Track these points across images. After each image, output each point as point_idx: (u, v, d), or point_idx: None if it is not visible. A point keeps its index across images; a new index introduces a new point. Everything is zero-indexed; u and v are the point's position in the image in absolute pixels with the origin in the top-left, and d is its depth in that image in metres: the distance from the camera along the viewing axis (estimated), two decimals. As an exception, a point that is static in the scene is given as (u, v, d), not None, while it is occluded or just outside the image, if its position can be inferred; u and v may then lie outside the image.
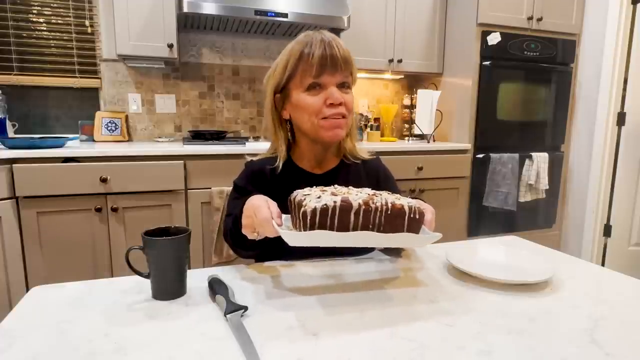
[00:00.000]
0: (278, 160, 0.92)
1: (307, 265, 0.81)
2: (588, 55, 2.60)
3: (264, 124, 0.98)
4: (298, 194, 0.66)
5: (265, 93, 0.92)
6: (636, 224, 2.59)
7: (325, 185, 0.93)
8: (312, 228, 0.59)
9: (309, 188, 0.69)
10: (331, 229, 0.60)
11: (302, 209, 0.60)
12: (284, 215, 0.71)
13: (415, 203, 0.66)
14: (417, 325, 0.58)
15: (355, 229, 0.61)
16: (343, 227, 0.60)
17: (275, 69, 0.89)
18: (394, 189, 1.00)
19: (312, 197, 0.61)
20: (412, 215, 0.64)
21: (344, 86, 0.87)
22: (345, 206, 0.60)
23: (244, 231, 0.74)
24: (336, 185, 0.71)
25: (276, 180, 0.92)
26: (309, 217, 0.59)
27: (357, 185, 0.97)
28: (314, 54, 0.82)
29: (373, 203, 0.61)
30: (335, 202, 0.60)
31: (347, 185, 0.94)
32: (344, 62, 0.84)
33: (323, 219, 0.59)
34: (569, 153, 2.76)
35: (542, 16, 2.46)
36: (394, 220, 0.63)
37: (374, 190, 0.70)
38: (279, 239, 0.84)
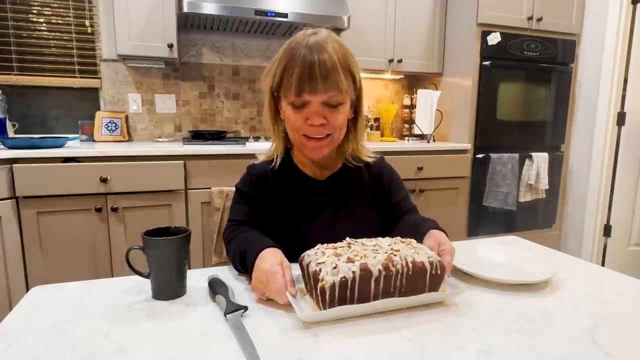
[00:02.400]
0: (275, 159, 0.91)
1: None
2: (588, 55, 2.60)
3: (264, 121, 0.92)
4: (311, 261, 0.62)
5: (264, 90, 0.90)
6: (636, 224, 2.59)
7: (326, 191, 0.91)
8: (332, 303, 0.57)
9: (322, 248, 0.65)
10: (352, 299, 0.58)
11: (320, 284, 0.57)
12: (295, 273, 0.67)
13: (435, 258, 0.63)
14: (417, 325, 0.58)
15: (376, 294, 0.60)
16: (363, 296, 0.59)
17: (270, 71, 0.86)
18: (400, 190, 0.97)
19: (328, 267, 0.58)
20: (433, 272, 0.62)
21: (332, 105, 0.80)
22: (365, 275, 0.58)
23: (252, 291, 0.68)
24: (349, 240, 0.66)
25: (279, 185, 0.91)
26: (328, 294, 0.57)
27: (360, 188, 0.93)
28: (294, 71, 0.77)
29: (393, 266, 0.59)
30: (353, 272, 0.57)
31: (349, 190, 0.92)
32: (325, 83, 0.76)
33: (343, 293, 0.57)
34: (569, 153, 2.76)
35: (542, 16, 2.46)
36: (415, 280, 0.61)
37: (389, 241, 0.66)
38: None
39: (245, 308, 0.60)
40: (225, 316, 0.58)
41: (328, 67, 0.76)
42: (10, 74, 2.14)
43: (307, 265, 0.62)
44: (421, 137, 2.64)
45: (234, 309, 0.59)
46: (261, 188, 0.90)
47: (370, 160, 0.95)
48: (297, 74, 0.76)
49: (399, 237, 0.69)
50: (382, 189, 0.96)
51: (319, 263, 0.60)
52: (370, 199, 0.95)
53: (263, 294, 0.66)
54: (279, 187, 0.91)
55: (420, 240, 0.74)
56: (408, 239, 0.68)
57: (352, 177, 0.94)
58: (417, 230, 0.79)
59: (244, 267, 0.73)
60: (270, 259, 0.67)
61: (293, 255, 0.82)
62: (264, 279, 0.65)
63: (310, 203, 0.91)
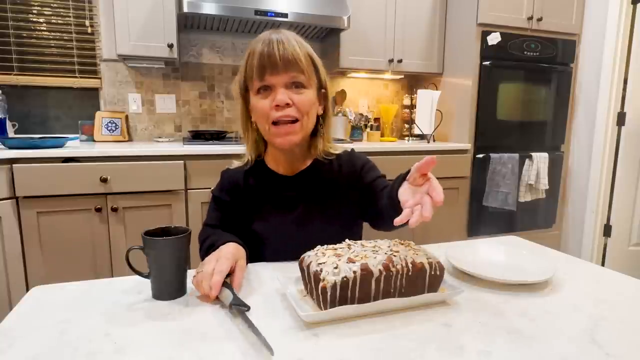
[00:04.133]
0: (248, 164, 0.94)
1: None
2: (588, 55, 2.60)
3: (238, 128, 0.95)
4: (312, 262, 0.62)
5: (235, 98, 0.92)
6: (636, 224, 2.59)
7: (297, 187, 0.92)
8: (333, 302, 0.58)
9: (322, 249, 0.65)
10: (352, 299, 0.59)
11: (321, 284, 0.58)
12: (293, 275, 0.68)
13: (434, 258, 0.64)
14: (417, 325, 0.58)
15: (376, 294, 0.60)
16: (364, 296, 0.60)
17: (238, 75, 0.89)
18: (373, 171, 0.95)
19: (329, 268, 0.59)
20: (432, 273, 0.63)
21: (297, 86, 0.82)
22: (366, 275, 0.59)
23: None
24: (349, 242, 0.67)
25: (249, 187, 0.93)
26: (329, 293, 0.57)
27: (333, 181, 0.90)
28: (255, 55, 0.81)
29: (393, 266, 0.60)
30: (355, 272, 0.58)
31: (321, 184, 0.92)
32: (285, 61, 0.79)
33: (344, 292, 0.58)
34: (569, 153, 2.76)
35: (542, 16, 2.46)
36: (415, 281, 0.62)
37: (389, 242, 0.67)
38: (254, 245, 0.85)
39: (248, 308, 0.60)
40: (231, 307, 0.58)
41: (287, 48, 0.80)
42: (10, 74, 2.14)
43: (308, 266, 0.63)
44: (421, 137, 2.64)
45: (238, 302, 0.60)
46: (233, 192, 0.93)
47: (339, 152, 0.97)
48: (258, 59, 0.80)
49: (397, 239, 0.69)
50: (355, 174, 0.95)
51: (320, 263, 0.61)
52: (343, 190, 0.94)
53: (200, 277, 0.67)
54: (251, 187, 0.93)
55: (395, 198, 0.69)
56: (407, 241, 0.69)
57: (323, 172, 0.94)
58: (391, 193, 0.74)
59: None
60: (229, 255, 0.71)
61: (266, 252, 0.86)
62: (207, 262, 0.68)
63: (281, 199, 0.92)
